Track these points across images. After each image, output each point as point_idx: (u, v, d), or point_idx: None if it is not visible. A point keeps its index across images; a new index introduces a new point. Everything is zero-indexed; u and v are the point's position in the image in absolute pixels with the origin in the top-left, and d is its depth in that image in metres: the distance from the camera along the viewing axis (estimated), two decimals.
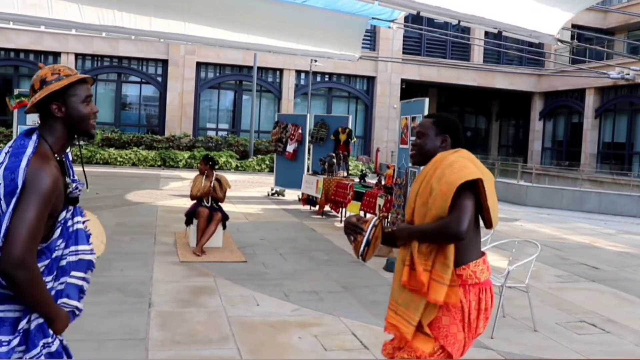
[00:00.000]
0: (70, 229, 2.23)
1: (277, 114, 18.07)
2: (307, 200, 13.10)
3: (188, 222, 8.22)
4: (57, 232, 2.16)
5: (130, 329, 4.80)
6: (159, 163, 22.41)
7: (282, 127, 14.41)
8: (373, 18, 11.75)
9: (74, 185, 2.22)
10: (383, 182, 9.98)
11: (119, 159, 21.99)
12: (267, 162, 22.87)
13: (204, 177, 8.09)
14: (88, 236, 2.31)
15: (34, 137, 2.14)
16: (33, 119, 11.03)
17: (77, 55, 24.67)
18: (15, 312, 2.05)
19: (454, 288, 2.56)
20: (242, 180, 18.70)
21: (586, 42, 24.75)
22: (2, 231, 1.93)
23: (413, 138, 8.11)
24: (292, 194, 14.57)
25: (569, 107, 29.36)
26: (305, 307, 5.69)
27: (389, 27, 12.24)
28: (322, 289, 6.42)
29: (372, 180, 12.09)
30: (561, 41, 9.94)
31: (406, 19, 22.39)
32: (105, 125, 25.14)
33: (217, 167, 8.53)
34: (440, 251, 2.59)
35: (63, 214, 2.18)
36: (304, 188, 12.99)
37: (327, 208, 12.21)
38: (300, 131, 14.05)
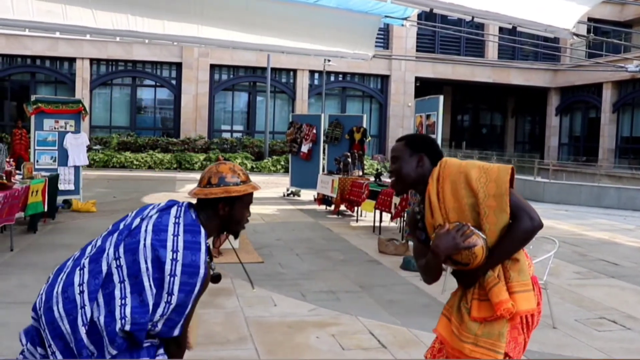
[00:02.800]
0: None
1: (291, 114, 18.10)
2: (323, 200, 13.10)
3: None
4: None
5: None
6: (175, 166, 22.52)
7: (296, 128, 14.41)
8: (386, 16, 11.70)
9: (213, 265, 2.38)
10: None
11: (135, 162, 22.13)
12: (282, 163, 22.90)
13: None
14: None
15: (203, 232, 2.22)
16: (50, 125, 11.14)
17: (92, 60, 24.87)
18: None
19: (532, 293, 2.43)
20: (258, 181, 18.48)
21: (603, 35, 24.52)
22: (179, 329, 2.17)
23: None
24: (307, 194, 14.57)
25: (586, 102, 29.06)
26: (322, 307, 5.68)
27: (402, 25, 12.17)
28: (339, 288, 6.41)
29: (387, 179, 12.05)
30: (577, 35, 9.83)
31: (419, 16, 22.27)
32: (121, 129, 25.33)
33: None
34: (514, 262, 2.43)
35: None
36: (319, 188, 12.98)
37: (342, 207, 12.19)
38: (314, 131, 14.05)
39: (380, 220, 10.19)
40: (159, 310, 2.08)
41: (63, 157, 11.25)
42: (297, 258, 7.93)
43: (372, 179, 11.54)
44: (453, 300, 2.62)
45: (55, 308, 2.12)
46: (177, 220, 2.20)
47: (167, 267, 2.08)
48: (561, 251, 8.10)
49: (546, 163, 26.19)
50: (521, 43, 26.24)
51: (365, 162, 14.54)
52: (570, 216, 13.84)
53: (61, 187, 10.90)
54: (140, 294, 2.08)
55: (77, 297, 2.11)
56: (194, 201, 2.39)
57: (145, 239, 2.13)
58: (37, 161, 10.89)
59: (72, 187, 11.41)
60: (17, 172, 8.99)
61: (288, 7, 11.39)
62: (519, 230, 2.36)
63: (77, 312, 2.09)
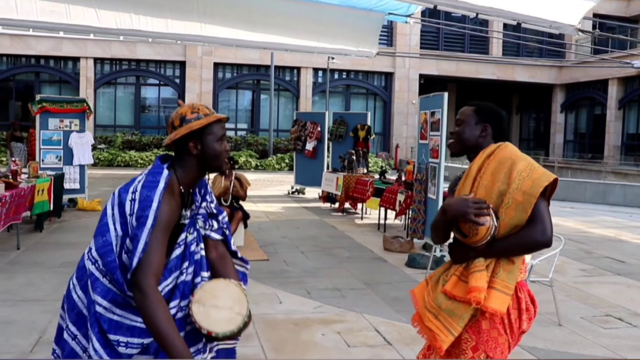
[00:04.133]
0: (196, 256, 2.35)
1: (295, 112, 18.09)
2: (327, 197, 13.10)
3: None
4: (177, 252, 2.29)
5: None
6: None
7: (300, 125, 14.41)
8: (389, 13, 11.67)
9: (188, 215, 2.37)
10: (403, 178, 9.93)
11: (139, 161, 22.17)
12: (287, 161, 22.91)
13: (223, 177, 8.12)
14: (208, 265, 2.43)
15: (166, 172, 2.25)
16: (55, 124, 11.17)
17: (95, 59, 24.92)
18: (132, 321, 2.17)
19: (509, 298, 2.40)
20: (262, 179, 18.75)
21: (608, 31, 24.44)
22: (135, 261, 2.09)
23: (433, 133, 8.07)
24: (312, 192, 14.57)
25: (592, 98, 28.96)
26: (327, 304, 5.68)
27: (406, 22, 12.15)
28: (344, 285, 6.41)
29: (392, 176, 12.04)
30: (582, 31, 9.79)
31: (423, 13, 22.17)
32: (125, 128, 25.38)
33: (236, 166, 8.55)
34: (509, 262, 2.42)
35: (183, 236, 2.32)
36: (324, 186, 12.98)
37: (347, 205, 12.20)
38: (319, 129, 14.04)
39: (385, 218, 10.19)
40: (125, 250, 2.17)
41: (68, 156, 11.28)
42: (302, 255, 7.93)
43: (376, 176, 11.53)
44: (439, 270, 2.65)
45: (71, 287, 2.28)
46: (145, 171, 2.29)
47: (127, 208, 2.18)
48: (567, 248, 8.08)
49: (551, 160, 26.15)
50: (526, 39, 26.11)
51: (369, 159, 14.54)
52: (576, 213, 13.80)
53: (67, 186, 10.94)
54: (104, 235, 2.19)
55: (86, 262, 2.28)
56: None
57: (116, 191, 2.26)
58: (43, 160, 10.92)
59: (77, 186, 11.44)
60: (24, 171, 9.02)
61: (291, 4, 11.38)
62: (528, 236, 2.36)
63: (86, 276, 2.25)
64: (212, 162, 2.35)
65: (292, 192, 15.13)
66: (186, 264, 2.30)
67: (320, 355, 4.40)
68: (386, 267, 7.47)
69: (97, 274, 2.19)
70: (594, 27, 23.21)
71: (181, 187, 2.31)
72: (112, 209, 2.22)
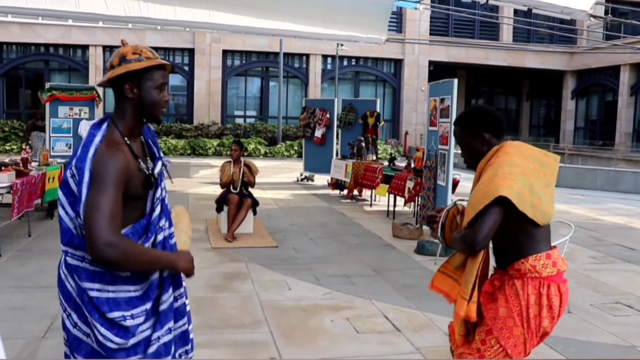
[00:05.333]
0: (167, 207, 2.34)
1: (304, 99, 18.03)
2: (336, 184, 13.10)
3: (219, 209, 8.29)
4: (157, 210, 2.24)
5: None
6: (189, 151, 22.60)
7: (310, 113, 14.39)
8: None
9: (149, 165, 2.25)
10: (412, 165, 9.91)
11: None
12: (296, 148, 22.90)
13: (232, 164, 8.13)
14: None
15: (104, 125, 2.19)
16: (64, 112, 11.20)
17: (104, 47, 24.92)
18: (127, 292, 2.14)
19: (473, 305, 2.49)
20: (271, 166, 18.77)
21: (621, 16, 24.15)
22: (82, 222, 2.04)
23: (442, 120, 8.04)
24: (321, 179, 14.58)
25: (603, 85, 28.69)
26: (336, 291, 5.70)
27: (416, 9, 12.12)
28: (353, 272, 6.43)
29: (401, 163, 12.02)
30: (594, 17, 9.69)
31: None
32: None
33: (245, 153, 8.57)
34: (465, 268, 2.57)
35: (159, 193, 2.26)
36: (333, 173, 12.97)
37: (355, 192, 12.20)
38: (328, 116, 14.02)
39: (394, 205, 10.18)
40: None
41: (78, 144, 11.30)
42: (311, 242, 7.95)
43: (385, 163, 11.51)
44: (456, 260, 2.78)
45: (63, 277, 2.25)
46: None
47: (71, 183, 2.12)
48: (577, 236, 8.05)
49: (562, 147, 25.98)
50: (536, 25, 25.90)
51: (378, 146, 14.50)
52: (586, 201, 13.73)
53: None
54: (61, 225, 2.17)
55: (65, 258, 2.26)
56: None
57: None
58: (53, 148, 10.97)
59: None
60: (34, 159, 9.07)
61: None
62: (465, 234, 2.47)
63: None
64: (148, 110, 2.22)
65: (301, 179, 15.14)
66: (163, 220, 2.27)
67: (329, 341, 4.42)
68: (395, 253, 7.47)
69: (75, 262, 2.13)
70: (606, 12, 23.00)
71: (125, 138, 2.19)
72: (60, 197, 2.16)
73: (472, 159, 2.71)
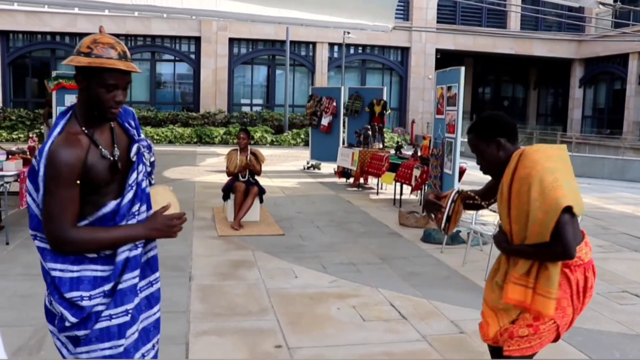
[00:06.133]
0: (146, 191, 2.29)
1: (311, 87, 18.01)
2: (343, 172, 13.10)
3: (225, 197, 8.30)
4: (129, 195, 2.19)
5: (171, 302, 4.88)
6: (195, 140, 22.61)
7: (316, 101, 14.36)
8: None
9: (115, 152, 2.20)
10: (419, 153, 9.89)
11: (155, 137, 22.25)
12: (302, 136, 22.88)
13: (239, 152, 8.13)
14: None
15: (68, 115, 2.18)
16: (71, 100, 11.22)
17: (111, 35, 24.88)
18: (93, 272, 2.14)
19: (553, 302, 2.58)
20: (278, 155, 18.77)
21: (630, 3, 23.95)
22: (41, 218, 2.08)
23: (449, 108, 8.00)
24: (327, 167, 14.57)
25: (611, 73, 28.49)
26: (343, 279, 5.71)
27: None
28: (359, 260, 6.44)
29: (407, 151, 11.99)
30: (603, 4, 9.59)
31: None
32: (140, 104, 25.43)
33: (252, 141, 8.56)
34: (544, 268, 2.58)
35: (134, 177, 2.21)
36: (339, 161, 12.96)
37: (361, 180, 12.20)
38: (334, 104, 13.98)
39: (401, 193, 10.17)
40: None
41: None
42: (317, 230, 7.96)
43: (392, 151, 11.49)
44: (493, 269, 2.89)
45: (41, 262, 2.27)
46: None
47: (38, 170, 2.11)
48: (584, 224, 7.99)
49: (569, 136, 25.86)
50: (544, 13, 25.72)
51: (385, 134, 14.47)
52: (593, 189, 13.68)
53: None
54: (29, 210, 2.17)
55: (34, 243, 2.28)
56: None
57: None
58: None
59: None
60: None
61: None
62: (550, 254, 2.53)
63: None
64: (95, 107, 2.14)
65: (308, 168, 15.14)
66: (137, 205, 2.22)
67: (336, 329, 4.43)
68: (402, 242, 7.48)
69: (42, 244, 2.13)
70: None
71: (84, 128, 2.14)
72: (27, 184, 2.15)
73: (488, 166, 2.75)
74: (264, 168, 8.46)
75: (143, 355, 2.25)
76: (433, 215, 2.97)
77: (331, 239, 7.49)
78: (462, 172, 8.58)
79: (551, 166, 2.53)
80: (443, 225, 2.89)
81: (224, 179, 8.64)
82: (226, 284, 5.44)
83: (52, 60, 25.09)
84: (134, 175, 2.21)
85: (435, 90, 8.59)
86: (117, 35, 24.72)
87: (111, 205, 2.16)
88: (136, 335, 2.22)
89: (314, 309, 4.84)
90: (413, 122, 26.41)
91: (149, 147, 2.34)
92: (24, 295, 4.93)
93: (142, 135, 2.40)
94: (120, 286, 2.15)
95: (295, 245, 7.09)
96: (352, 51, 27.40)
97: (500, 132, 2.68)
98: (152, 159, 2.41)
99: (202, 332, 4.30)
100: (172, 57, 26.29)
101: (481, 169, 2.81)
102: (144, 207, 2.25)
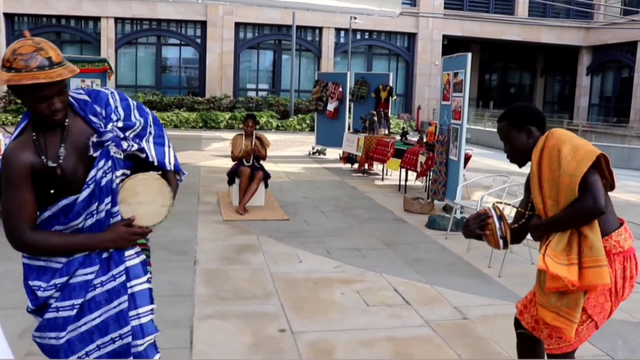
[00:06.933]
0: (112, 185, 2.19)
1: (317, 72, 17.95)
2: (348, 158, 13.09)
3: (230, 182, 8.31)
4: (84, 193, 2.13)
5: (176, 285, 4.91)
6: (201, 124, 22.61)
7: (322, 86, 14.32)
8: None
9: (50, 161, 2.11)
10: (425, 140, 9.86)
11: (161, 121, 22.22)
12: (308, 122, 22.85)
13: (244, 137, 8.12)
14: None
15: (25, 121, 2.14)
16: (76, 84, 11.22)
17: (116, 19, 24.84)
18: (57, 264, 2.17)
19: (606, 268, 2.53)
20: (283, 140, 18.76)
21: None
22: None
23: (456, 94, 7.97)
24: (333, 153, 14.56)
25: (619, 61, 28.29)
26: (347, 264, 5.72)
27: None
28: (364, 246, 6.44)
29: (413, 138, 11.97)
30: None
31: None
32: (146, 89, 25.42)
33: (258, 126, 8.54)
34: (584, 238, 2.54)
35: (92, 174, 2.14)
36: (345, 146, 12.95)
37: (366, 166, 12.19)
38: (340, 89, 13.94)
39: (406, 179, 10.16)
40: None
41: None
42: (322, 216, 7.96)
43: (398, 137, 11.46)
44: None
45: None
46: None
47: None
48: None
49: (575, 124, 25.76)
50: (553, 0, 25.51)
51: (391, 120, 14.43)
52: None
53: None
54: None
55: None
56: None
57: None
58: None
59: None
60: None
61: None
62: (579, 207, 2.49)
63: None
64: (37, 117, 2.08)
65: (313, 153, 15.13)
66: (95, 205, 2.15)
67: (339, 313, 4.45)
68: (406, 228, 7.48)
69: None
70: None
71: (33, 133, 2.10)
72: None
73: (517, 154, 2.78)
74: (269, 153, 8.45)
75: (99, 347, 2.20)
76: (483, 237, 2.81)
77: (336, 224, 7.49)
78: (467, 158, 8.56)
79: (580, 141, 2.60)
80: (502, 246, 2.78)
81: (229, 163, 8.64)
82: (231, 268, 5.46)
83: (57, 44, 25.00)
84: (93, 172, 2.14)
85: (442, 77, 8.55)
86: (123, 19, 24.72)
87: (68, 199, 2.13)
88: (83, 329, 2.18)
89: (318, 294, 4.86)
90: (419, 108, 26.34)
91: (117, 141, 2.19)
92: None
93: (134, 118, 2.29)
94: (72, 280, 2.16)
95: (300, 230, 7.10)
96: (358, 36, 27.29)
97: (531, 120, 2.75)
98: (131, 148, 2.24)
99: (206, 315, 4.32)
100: (178, 41, 26.22)
101: (508, 156, 2.85)
102: (104, 206, 2.17)
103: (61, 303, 2.15)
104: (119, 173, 2.22)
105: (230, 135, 13.87)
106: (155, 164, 2.32)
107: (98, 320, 2.19)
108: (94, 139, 2.16)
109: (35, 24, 24.90)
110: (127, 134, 2.24)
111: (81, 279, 2.16)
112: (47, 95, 2.00)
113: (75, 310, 2.15)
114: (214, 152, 15.03)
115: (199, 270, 5.34)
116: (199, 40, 25.92)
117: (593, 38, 28.98)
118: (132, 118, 2.30)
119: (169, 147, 2.44)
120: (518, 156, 2.79)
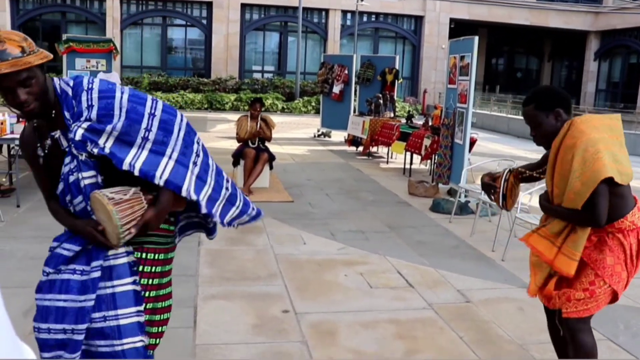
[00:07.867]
0: (81, 183, 2.16)
1: (323, 55, 17.87)
2: (353, 141, 13.07)
3: (235, 163, 8.31)
4: (60, 186, 2.24)
5: (180, 266, 4.92)
6: (206, 106, 22.59)
7: (328, 68, 14.26)
8: None
9: (45, 144, 2.19)
10: (430, 123, 9.83)
11: (166, 102, 22.27)
12: (313, 104, 22.79)
13: (249, 118, 8.11)
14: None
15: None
16: (82, 64, 11.20)
17: None
18: (65, 250, 2.26)
19: (576, 264, 2.76)
20: (289, 122, 18.72)
21: None
22: None
23: (462, 78, 7.92)
24: (338, 135, 14.54)
25: (627, 46, 28.05)
26: (351, 246, 5.74)
27: None
28: (368, 228, 6.46)
29: (419, 121, 11.93)
30: None
31: None
32: (152, 69, 25.36)
33: (263, 108, 8.52)
34: (574, 232, 2.77)
35: (63, 168, 2.17)
36: (350, 129, 12.93)
37: (372, 149, 12.17)
38: (346, 72, 13.88)
39: (411, 162, 10.15)
40: None
41: None
42: (327, 198, 7.97)
43: (403, 120, 11.43)
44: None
45: None
46: None
47: None
48: None
49: (582, 109, 25.57)
50: None
51: (396, 104, 14.38)
52: None
53: None
54: None
55: None
56: None
57: None
58: None
59: None
60: None
61: None
62: (581, 220, 2.72)
63: None
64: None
65: (318, 135, 15.11)
66: (69, 197, 2.20)
67: (343, 295, 4.47)
68: (410, 211, 7.48)
69: None
70: None
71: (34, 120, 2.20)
72: None
73: (545, 136, 2.83)
74: (274, 135, 8.44)
75: (49, 330, 2.15)
76: (491, 196, 3.20)
77: (340, 206, 7.50)
78: (472, 142, 8.53)
79: (596, 137, 2.63)
80: (501, 203, 3.10)
81: (234, 145, 8.64)
82: (235, 249, 5.48)
83: (63, 24, 24.98)
84: (63, 168, 2.17)
85: (448, 60, 8.50)
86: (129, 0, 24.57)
87: (59, 186, 2.25)
88: (46, 302, 2.18)
89: (321, 276, 4.88)
90: (425, 91, 26.22)
91: (75, 142, 2.10)
92: (35, 257, 4.98)
93: (114, 121, 2.11)
94: (56, 250, 2.24)
95: (304, 212, 7.11)
96: (365, 19, 27.10)
97: (559, 102, 2.80)
98: (94, 150, 2.09)
99: (210, 296, 4.35)
100: (184, 22, 26.12)
101: (535, 139, 2.89)
102: (77, 200, 2.19)
103: (46, 268, 2.25)
104: (86, 174, 2.15)
105: (235, 116, 13.86)
106: (136, 174, 2.11)
107: (61, 304, 2.14)
108: (61, 135, 2.16)
109: (40, 4, 24.81)
110: (101, 137, 2.09)
111: (61, 252, 2.23)
112: (9, 87, 1.95)
113: (46, 278, 2.22)
114: (219, 133, 15.02)
115: (203, 251, 5.36)
116: (204, 21, 25.81)
117: (602, 23, 28.72)
118: (111, 120, 2.12)
119: (180, 163, 2.28)
120: (546, 139, 2.84)
